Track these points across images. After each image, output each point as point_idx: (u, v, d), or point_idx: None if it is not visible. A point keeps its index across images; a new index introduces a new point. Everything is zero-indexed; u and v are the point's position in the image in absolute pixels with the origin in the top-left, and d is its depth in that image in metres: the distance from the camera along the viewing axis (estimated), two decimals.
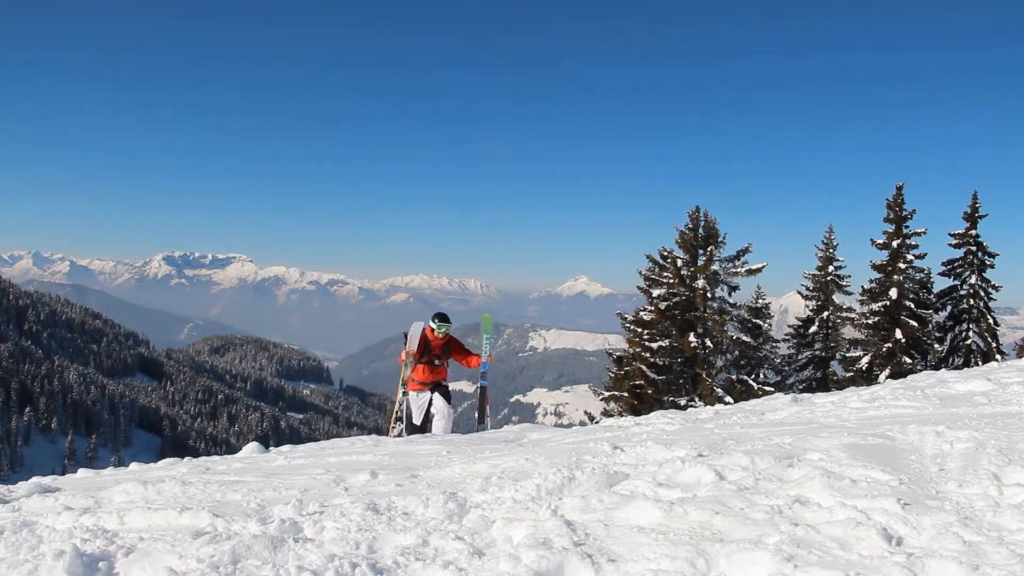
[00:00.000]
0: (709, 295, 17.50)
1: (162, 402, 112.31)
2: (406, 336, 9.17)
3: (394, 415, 9.48)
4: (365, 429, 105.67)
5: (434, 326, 8.91)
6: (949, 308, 20.82)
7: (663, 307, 17.28)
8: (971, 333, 20.44)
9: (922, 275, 19.93)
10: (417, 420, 8.85)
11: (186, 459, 5.99)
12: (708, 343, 17.22)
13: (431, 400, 8.87)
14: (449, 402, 8.96)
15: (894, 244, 19.52)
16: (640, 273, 18.21)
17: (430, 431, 8.75)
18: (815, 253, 20.89)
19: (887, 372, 18.25)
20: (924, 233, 19.65)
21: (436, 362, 8.91)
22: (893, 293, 18.99)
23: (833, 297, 20.58)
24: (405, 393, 9.14)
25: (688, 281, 17.57)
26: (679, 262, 17.72)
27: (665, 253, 18.00)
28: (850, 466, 3.55)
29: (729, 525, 2.92)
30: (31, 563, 2.87)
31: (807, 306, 20.98)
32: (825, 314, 20.56)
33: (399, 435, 8.95)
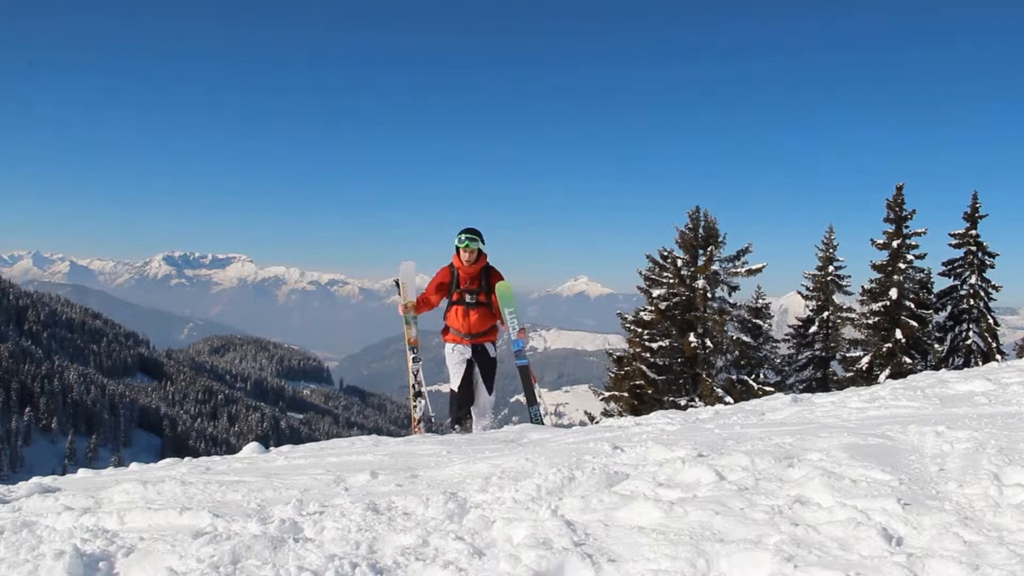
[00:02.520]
0: (709, 295, 17.50)
1: (162, 402, 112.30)
2: (398, 284, 7.10)
3: (411, 390, 7.39)
4: (365, 429, 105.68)
5: (460, 244, 6.63)
6: (949, 308, 20.83)
7: (663, 307, 17.29)
8: (971, 333, 20.44)
9: (922, 275, 19.94)
10: (455, 384, 6.83)
11: (186, 459, 5.98)
12: (708, 343, 17.22)
13: (470, 361, 6.78)
14: (493, 376, 6.90)
15: (894, 244, 19.53)
16: (640, 273, 18.22)
17: (474, 402, 6.88)
18: (815, 253, 20.92)
19: (887, 372, 18.25)
20: (924, 233, 19.68)
21: (468, 298, 6.75)
22: (893, 293, 18.99)
23: (833, 297, 20.58)
24: (416, 360, 7.25)
25: (688, 281, 17.57)
26: (679, 262, 17.73)
27: (665, 253, 18.01)
28: (850, 466, 3.54)
29: (729, 525, 2.92)
30: (31, 563, 2.86)
31: (807, 306, 20.98)
32: (825, 314, 20.56)
33: (420, 419, 7.28)
